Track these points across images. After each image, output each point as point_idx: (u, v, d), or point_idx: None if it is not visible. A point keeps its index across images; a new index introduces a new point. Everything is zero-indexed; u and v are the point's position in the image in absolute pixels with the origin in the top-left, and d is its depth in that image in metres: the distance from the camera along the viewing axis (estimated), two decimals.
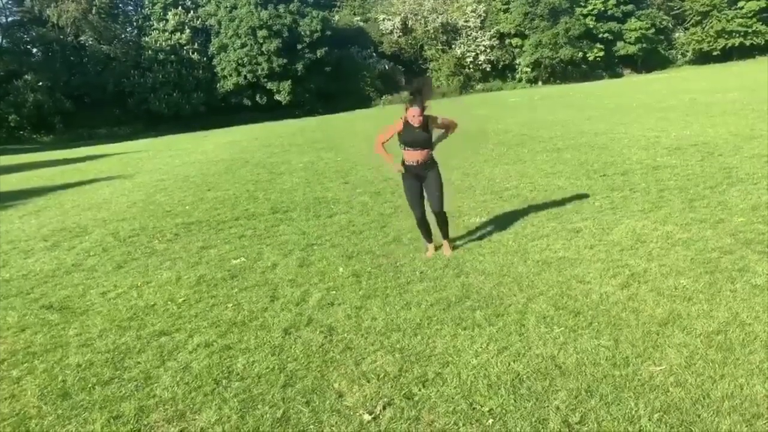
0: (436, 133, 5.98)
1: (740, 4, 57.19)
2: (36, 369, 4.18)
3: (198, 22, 58.51)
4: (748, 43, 57.77)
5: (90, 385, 3.86)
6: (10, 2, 59.43)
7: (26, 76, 50.75)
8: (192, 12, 58.59)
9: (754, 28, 57.45)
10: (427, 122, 5.75)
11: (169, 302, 5.39)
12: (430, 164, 5.94)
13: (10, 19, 59.11)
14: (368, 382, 3.60)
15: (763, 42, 57.89)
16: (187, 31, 57.38)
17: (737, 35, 57.96)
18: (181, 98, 55.27)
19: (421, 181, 5.98)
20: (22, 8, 56.17)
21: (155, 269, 6.52)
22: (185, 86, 55.80)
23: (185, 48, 57.24)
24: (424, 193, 6.04)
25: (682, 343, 3.69)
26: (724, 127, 12.78)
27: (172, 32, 56.90)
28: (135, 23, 62.16)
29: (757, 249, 5.23)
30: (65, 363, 4.23)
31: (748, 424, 2.87)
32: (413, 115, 5.63)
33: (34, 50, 58.38)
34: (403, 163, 5.95)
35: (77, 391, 3.81)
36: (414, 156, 5.83)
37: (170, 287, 5.83)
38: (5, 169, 23.17)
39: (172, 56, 56.19)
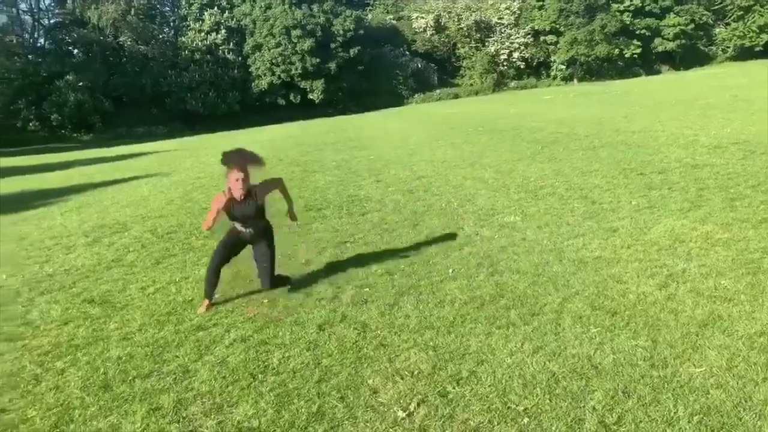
0: (273, 201, 5.20)
1: None
2: (79, 361, 4.30)
3: (233, 22, 59.30)
4: None
5: (130, 378, 3.95)
6: (52, 4, 61.19)
7: (68, 77, 52.07)
8: (227, 12, 59.43)
9: None
10: (252, 192, 5.09)
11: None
12: (263, 231, 5.33)
13: (52, 21, 60.83)
14: (402, 379, 3.61)
15: None
16: (223, 31, 58.23)
17: None
18: (217, 97, 56.13)
19: (249, 243, 5.35)
20: (64, 10, 57.76)
21: (193, 265, 6.64)
22: (221, 86, 56.65)
23: (221, 48, 58.10)
24: (253, 260, 5.41)
25: (722, 345, 3.62)
26: (766, 125, 12.42)
27: (208, 32, 57.80)
28: (172, 24, 63.35)
29: None
30: (106, 356, 4.34)
31: None
32: (235, 179, 4.91)
33: (75, 51, 59.95)
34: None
35: (118, 383, 3.90)
36: (247, 227, 5.22)
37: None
38: (48, 167, 23.84)
39: (208, 56, 57.11)
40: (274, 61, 56.81)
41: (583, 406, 3.12)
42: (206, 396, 3.64)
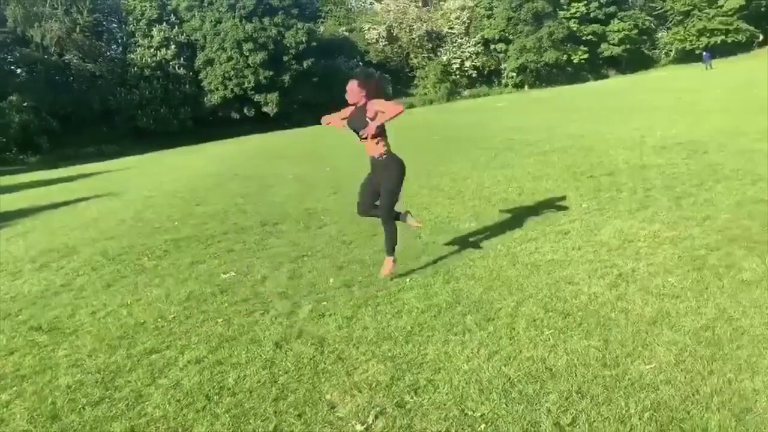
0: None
1: (720, 2, 57.84)
2: (25, 392, 4.14)
3: (183, 37, 58.55)
4: (729, 40, 58.34)
5: (80, 407, 3.82)
6: None
7: (11, 97, 50.43)
8: (177, 27, 58.65)
9: (734, 26, 58.10)
10: (366, 107, 5.36)
11: (159, 319, 5.36)
12: (385, 162, 5.52)
13: None
14: (360, 392, 3.59)
15: (744, 39, 58.51)
16: (173, 46, 57.41)
17: (719, 33, 58.55)
18: (169, 114, 55.26)
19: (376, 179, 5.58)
20: (4, 29, 55.99)
21: (145, 287, 6.49)
22: (172, 101, 55.79)
23: (171, 63, 57.28)
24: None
25: (671, 341, 3.71)
26: (708, 125, 12.90)
27: (158, 48, 56.91)
28: (120, 40, 62.16)
29: (743, 245, 5.27)
30: (55, 384, 4.19)
31: (737, 419, 2.88)
32: (350, 90, 5.36)
33: (18, 71, 58.15)
34: None
35: (67, 412, 3.77)
36: (365, 147, 5.51)
37: (160, 304, 5.80)
38: None
39: (158, 72, 56.22)
40: (226, 75, 56.33)
41: (539, 409, 3.16)
42: (160, 421, 3.55)
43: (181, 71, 57.51)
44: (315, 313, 4.99)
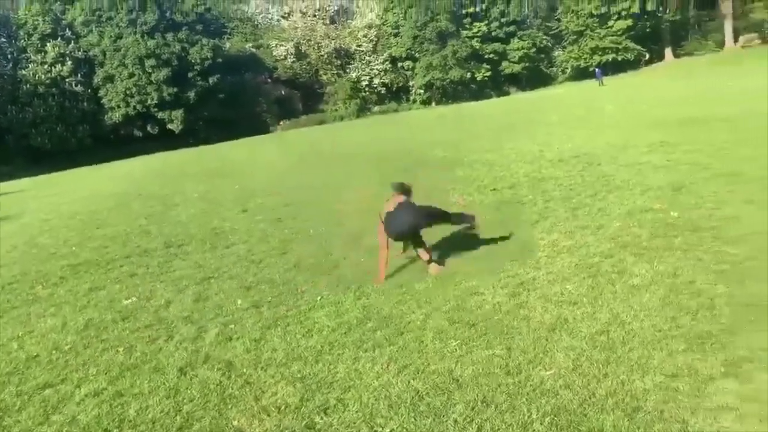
0: None
1: (610, 23, 61.80)
2: None
3: (80, 53, 55.75)
4: (620, 58, 62.41)
5: None
6: None
7: None
8: (73, 43, 55.77)
9: (623, 45, 62.25)
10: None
11: (53, 351, 5.05)
12: None
13: None
14: (269, 416, 3.53)
15: (632, 57, 62.80)
16: (69, 62, 54.49)
17: (610, 52, 62.55)
18: (66, 132, 52.32)
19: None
20: None
21: (38, 317, 6.09)
22: (69, 119, 52.87)
23: (67, 80, 54.30)
24: None
25: (569, 347, 3.89)
26: (601, 139, 13.68)
27: (52, 64, 53.84)
28: (10, 56, 58.30)
29: (634, 251, 5.62)
30: None
31: (629, 418, 3.06)
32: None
33: None
34: None
35: None
36: None
37: (55, 335, 5.47)
38: None
39: (54, 89, 53.12)
40: (128, 91, 54.08)
41: (446, 421, 3.22)
42: None
43: (79, 88, 54.61)
44: (222, 337, 4.86)
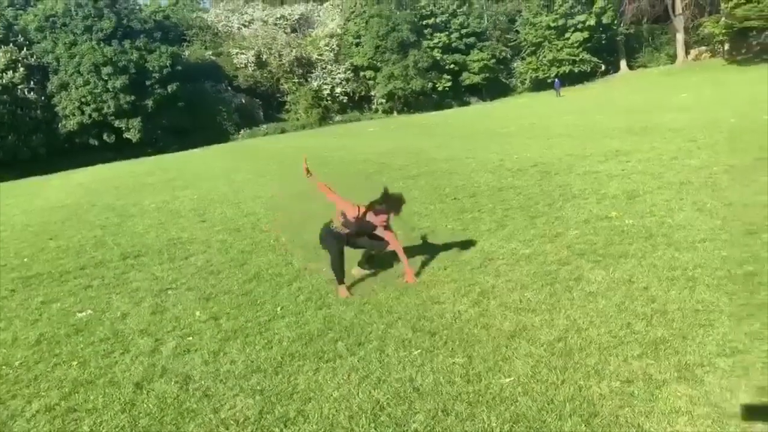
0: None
1: (567, 35, 63.26)
2: None
3: (33, 60, 54.26)
4: (576, 70, 63.87)
5: None
6: None
7: None
8: (25, 49, 54.25)
9: (580, 56, 63.76)
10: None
11: (3, 367, 4.88)
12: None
13: None
14: (227, 429, 3.47)
15: (588, 69, 64.36)
16: (21, 69, 52.95)
17: (567, 63, 63.99)
18: (18, 141, 50.74)
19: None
20: None
21: None
22: (22, 128, 51.24)
23: (19, 87, 52.71)
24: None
25: (528, 354, 3.93)
26: (559, 149, 13.95)
27: (3, 71, 52.26)
28: None
29: (590, 258, 5.73)
30: None
31: (586, 424, 3.10)
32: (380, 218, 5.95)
33: None
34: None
35: None
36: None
37: (5, 350, 5.29)
38: None
39: (5, 96, 51.44)
40: (83, 99, 52.80)
41: (406, 430, 3.21)
42: None
43: (32, 95, 53.06)
44: (179, 350, 4.77)
